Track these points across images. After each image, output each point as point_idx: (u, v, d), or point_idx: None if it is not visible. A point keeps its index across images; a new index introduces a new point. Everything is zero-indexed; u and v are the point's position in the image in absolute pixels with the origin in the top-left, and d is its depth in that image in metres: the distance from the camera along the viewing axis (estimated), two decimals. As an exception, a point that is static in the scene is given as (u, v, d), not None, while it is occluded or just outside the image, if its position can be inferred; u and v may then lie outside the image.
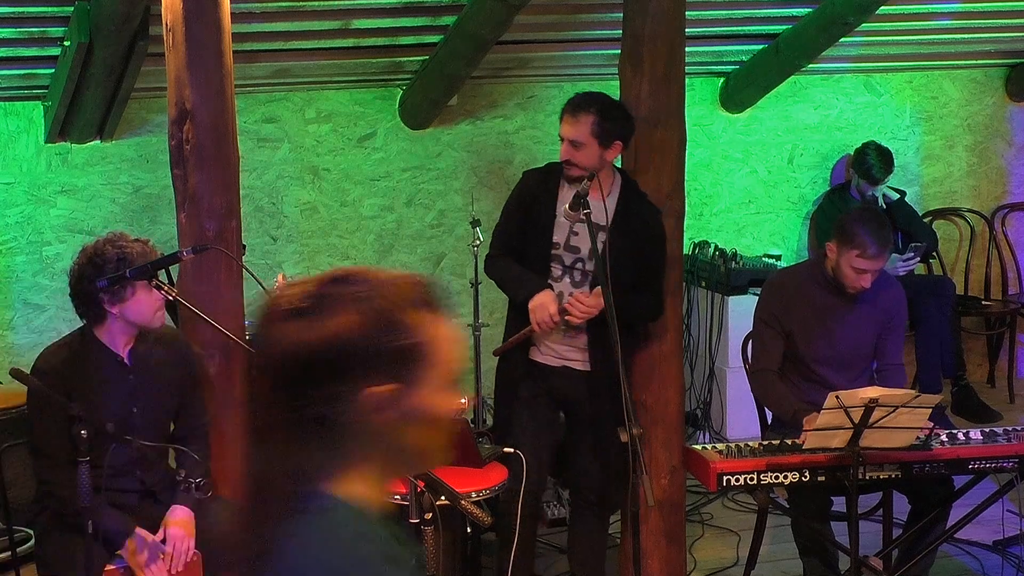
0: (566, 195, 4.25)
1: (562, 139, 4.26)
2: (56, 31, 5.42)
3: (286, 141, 6.56)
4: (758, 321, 4.60)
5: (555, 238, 4.28)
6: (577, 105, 4.24)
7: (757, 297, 4.71)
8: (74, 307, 3.78)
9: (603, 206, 4.19)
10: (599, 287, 4.12)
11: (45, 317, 6.30)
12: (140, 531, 3.67)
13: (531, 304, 4.19)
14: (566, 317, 4.19)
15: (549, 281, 4.27)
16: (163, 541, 3.72)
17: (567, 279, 4.29)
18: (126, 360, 3.79)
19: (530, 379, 4.34)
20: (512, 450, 4.09)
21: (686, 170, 4.51)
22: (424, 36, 6.06)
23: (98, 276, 3.63)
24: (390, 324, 1.67)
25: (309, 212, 6.63)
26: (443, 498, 3.52)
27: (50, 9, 5.26)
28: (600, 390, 4.29)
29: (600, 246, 4.02)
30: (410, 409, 1.69)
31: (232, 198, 4.05)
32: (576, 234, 4.27)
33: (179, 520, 3.75)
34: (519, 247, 4.36)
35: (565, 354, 4.32)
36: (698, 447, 4.33)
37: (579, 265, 4.29)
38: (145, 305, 3.71)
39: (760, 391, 4.62)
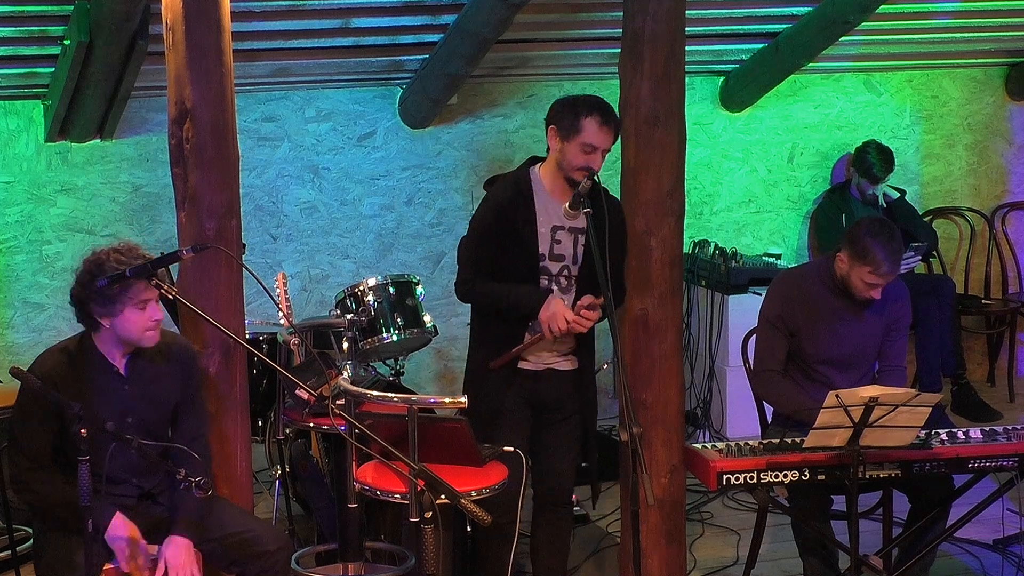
0: (543, 204, 4.18)
1: (595, 148, 4.07)
2: (56, 30, 5.42)
3: (286, 140, 6.56)
4: (763, 321, 4.59)
5: (540, 249, 4.19)
6: (612, 114, 4.10)
7: (757, 296, 4.70)
8: (74, 314, 3.76)
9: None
10: (588, 294, 4.09)
11: (45, 316, 6.30)
12: (135, 535, 3.64)
13: (543, 315, 4.09)
14: (576, 329, 4.13)
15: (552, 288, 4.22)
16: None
17: (554, 287, 4.22)
18: (122, 370, 3.75)
19: (514, 388, 4.25)
20: (512, 449, 4.08)
21: (686, 169, 4.50)
22: (424, 35, 6.06)
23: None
24: None
25: (309, 211, 6.63)
26: (443, 497, 3.53)
27: (50, 8, 5.26)
28: (586, 385, 4.32)
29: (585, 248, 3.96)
30: None
31: (232, 197, 4.04)
32: (559, 242, 4.21)
33: (177, 548, 3.67)
34: (497, 266, 4.21)
35: (549, 357, 4.28)
36: (698, 446, 4.33)
37: (565, 272, 4.23)
38: (133, 324, 3.65)
39: (766, 391, 4.61)
